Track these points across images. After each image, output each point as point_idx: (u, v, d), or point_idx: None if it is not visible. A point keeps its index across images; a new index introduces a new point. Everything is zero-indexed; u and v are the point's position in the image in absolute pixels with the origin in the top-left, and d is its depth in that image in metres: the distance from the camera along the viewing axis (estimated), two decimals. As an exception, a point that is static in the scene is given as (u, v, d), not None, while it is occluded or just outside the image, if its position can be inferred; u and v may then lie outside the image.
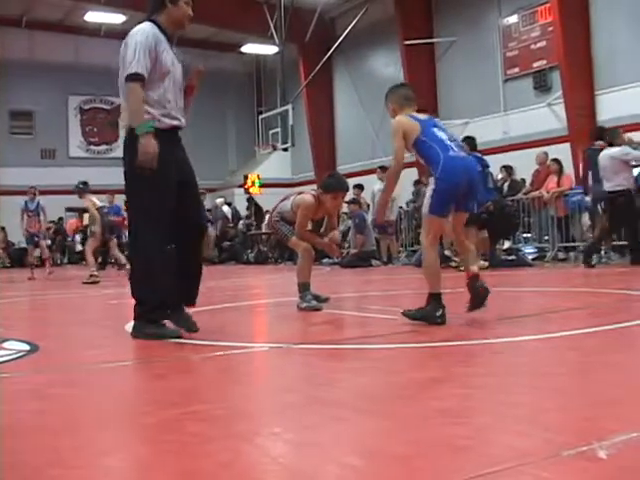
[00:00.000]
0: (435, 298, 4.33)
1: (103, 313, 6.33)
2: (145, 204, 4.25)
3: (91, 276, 11.32)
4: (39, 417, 2.46)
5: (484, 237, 10.90)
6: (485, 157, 11.39)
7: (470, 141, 11.10)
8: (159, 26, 4.36)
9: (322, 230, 6.25)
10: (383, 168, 14.49)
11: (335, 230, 6.22)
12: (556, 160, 12.78)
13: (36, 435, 2.21)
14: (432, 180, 4.49)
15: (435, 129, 4.54)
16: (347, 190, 6.02)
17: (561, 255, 12.44)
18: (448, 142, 4.48)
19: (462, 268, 10.42)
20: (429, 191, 4.47)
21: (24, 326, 5.80)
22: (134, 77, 4.13)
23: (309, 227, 6.20)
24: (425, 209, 4.48)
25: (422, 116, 4.64)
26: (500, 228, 11.29)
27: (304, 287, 5.80)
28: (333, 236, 6.13)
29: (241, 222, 21.61)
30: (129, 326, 4.45)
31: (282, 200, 6.17)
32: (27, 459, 1.95)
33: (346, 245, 16.38)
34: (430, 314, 4.29)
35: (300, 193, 6.12)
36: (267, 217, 5.29)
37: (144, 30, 4.28)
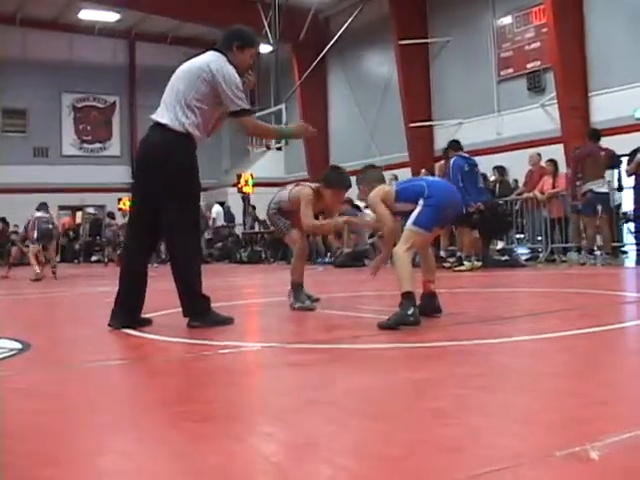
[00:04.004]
0: (407, 297, 4.19)
1: (97, 311, 6.31)
2: (195, 206, 4.82)
3: (36, 273, 13.01)
4: (32, 416, 2.45)
5: (475, 237, 10.93)
6: (478, 158, 11.44)
7: (454, 144, 11.17)
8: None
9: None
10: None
11: (335, 218, 6.01)
12: (552, 161, 12.81)
13: (29, 434, 2.20)
14: (421, 202, 4.42)
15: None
16: (349, 187, 5.76)
17: (551, 256, 12.45)
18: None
19: (456, 268, 10.59)
20: (418, 207, 4.41)
21: (16, 324, 5.78)
22: (249, 112, 4.85)
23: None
24: (409, 220, 4.40)
25: None
26: (493, 228, 11.32)
27: (297, 287, 5.77)
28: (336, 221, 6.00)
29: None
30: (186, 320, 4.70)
31: (280, 190, 6.07)
32: (20, 459, 1.94)
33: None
34: (402, 316, 4.15)
35: (298, 184, 5.94)
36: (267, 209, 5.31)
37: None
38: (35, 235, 13.58)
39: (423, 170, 15.05)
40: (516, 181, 15.00)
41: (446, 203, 4.51)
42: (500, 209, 12.05)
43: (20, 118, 28.83)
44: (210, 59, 4.73)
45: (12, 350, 3.90)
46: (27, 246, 15.75)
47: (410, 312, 4.15)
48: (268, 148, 26.90)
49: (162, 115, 4.70)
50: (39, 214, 14.00)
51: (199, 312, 4.69)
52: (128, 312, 4.70)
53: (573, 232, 12.28)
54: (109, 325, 4.66)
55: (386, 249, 5.00)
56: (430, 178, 4.95)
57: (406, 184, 4.82)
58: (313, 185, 5.79)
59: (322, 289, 6.49)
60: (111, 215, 23.74)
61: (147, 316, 4.86)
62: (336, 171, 5.87)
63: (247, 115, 4.81)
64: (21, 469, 1.85)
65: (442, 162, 12.14)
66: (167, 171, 4.61)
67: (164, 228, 4.76)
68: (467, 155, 11.09)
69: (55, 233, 14.61)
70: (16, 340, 4.23)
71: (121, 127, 30.65)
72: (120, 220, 22.72)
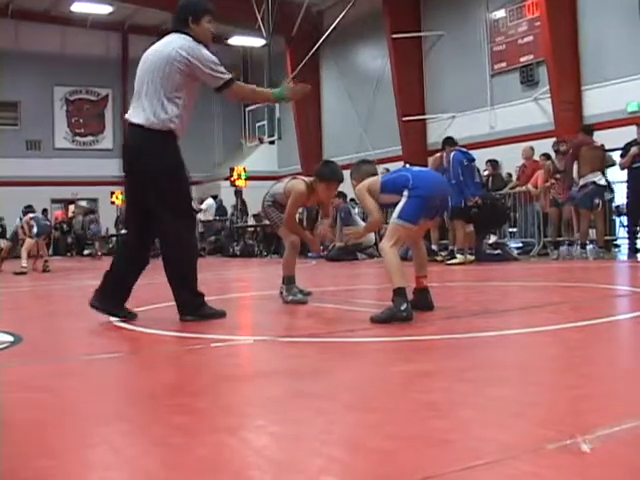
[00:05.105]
0: (399, 293, 4.18)
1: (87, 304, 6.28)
2: (185, 202, 4.69)
3: (22, 267, 13.35)
4: (25, 408, 2.45)
5: (470, 231, 10.93)
6: (471, 152, 11.44)
7: (449, 140, 11.20)
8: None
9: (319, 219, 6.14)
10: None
11: (327, 219, 6.09)
12: (546, 155, 12.80)
13: (24, 426, 2.19)
14: (405, 194, 4.40)
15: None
16: (341, 180, 5.79)
17: (543, 250, 12.44)
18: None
19: (448, 262, 10.59)
20: (402, 199, 4.39)
21: (7, 317, 5.76)
22: (232, 81, 4.60)
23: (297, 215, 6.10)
24: (394, 214, 4.39)
25: None
26: (490, 221, 11.32)
27: (290, 280, 5.77)
28: (322, 229, 6.07)
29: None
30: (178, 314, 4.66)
31: (275, 183, 6.08)
32: (15, 450, 1.94)
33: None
34: (395, 311, 4.13)
35: (294, 177, 5.97)
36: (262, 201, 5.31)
37: None
38: (35, 230, 13.92)
39: (407, 165, 15.03)
40: (510, 175, 15.00)
41: (433, 193, 4.46)
42: (498, 202, 12.07)
43: (12, 111, 28.74)
44: (177, 44, 4.50)
45: (4, 343, 3.89)
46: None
47: (403, 308, 4.14)
48: (261, 142, 26.87)
49: (137, 115, 4.54)
50: (32, 215, 14.53)
51: (192, 307, 4.67)
52: (113, 297, 4.68)
53: (562, 226, 12.23)
54: (90, 305, 4.68)
55: (364, 231, 5.81)
56: (415, 168, 4.88)
57: (391, 175, 4.78)
58: (307, 179, 5.80)
59: (315, 283, 6.48)
60: (92, 211, 23.78)
61: (141, 309, 4.85)
62: (328, 165, 5.91)
63: (231, 84, 4.59)
64: (16, 460, 1.85)
65: (436, 155, 12.12)
66: (151, 173, 4.52)
67: (157, 226, 4.68)
68: (465, 149, 11.15)
69: (49, 230, 15.43)
70: (8, 333, 4.22)
71: (114, 120, 30.54)
72: (108, 214, 22.74)
